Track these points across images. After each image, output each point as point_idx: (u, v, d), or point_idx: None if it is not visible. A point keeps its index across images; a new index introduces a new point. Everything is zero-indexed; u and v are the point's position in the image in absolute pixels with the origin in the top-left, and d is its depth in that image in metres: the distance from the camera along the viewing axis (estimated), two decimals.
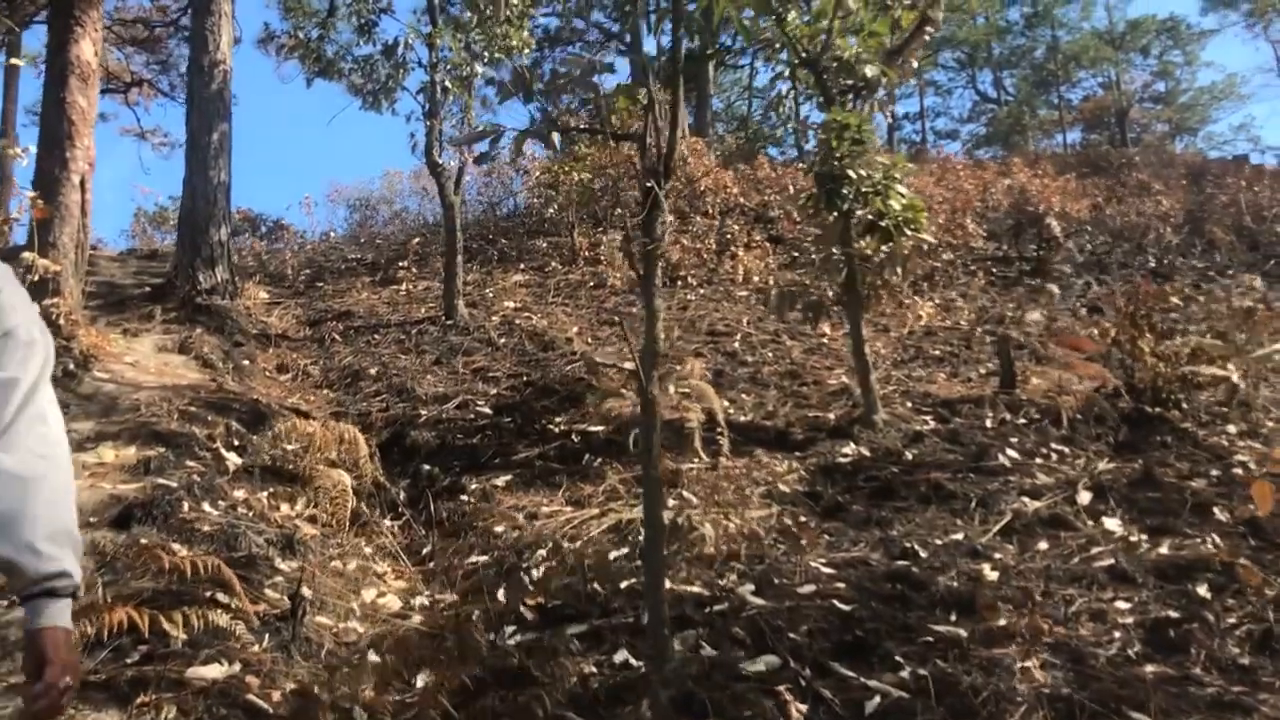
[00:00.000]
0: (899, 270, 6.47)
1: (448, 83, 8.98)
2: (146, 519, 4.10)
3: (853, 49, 6.77)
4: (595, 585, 4.11)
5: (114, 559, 3.66)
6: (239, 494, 4.80)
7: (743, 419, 6.58)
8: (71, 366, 5.91)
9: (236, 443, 5.40)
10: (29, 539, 1.52)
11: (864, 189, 6.30)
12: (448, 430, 6.32)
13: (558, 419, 6.49)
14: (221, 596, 3.53)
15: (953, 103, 37.56)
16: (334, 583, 4.16)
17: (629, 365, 3.91)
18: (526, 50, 9.51)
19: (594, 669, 3.44)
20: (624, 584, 4.13)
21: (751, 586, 4.16)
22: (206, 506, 4.47)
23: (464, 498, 5.25)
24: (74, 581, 1.57)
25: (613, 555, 4.39)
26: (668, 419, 6.43)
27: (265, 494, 4.97)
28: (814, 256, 6.89)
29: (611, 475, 5.43)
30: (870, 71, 6.54)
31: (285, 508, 4.91)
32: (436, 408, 6.74)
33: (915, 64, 7.41)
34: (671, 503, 5.09)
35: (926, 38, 7.00)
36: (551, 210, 14.39)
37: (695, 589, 4.16)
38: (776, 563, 4.45)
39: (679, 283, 10.68)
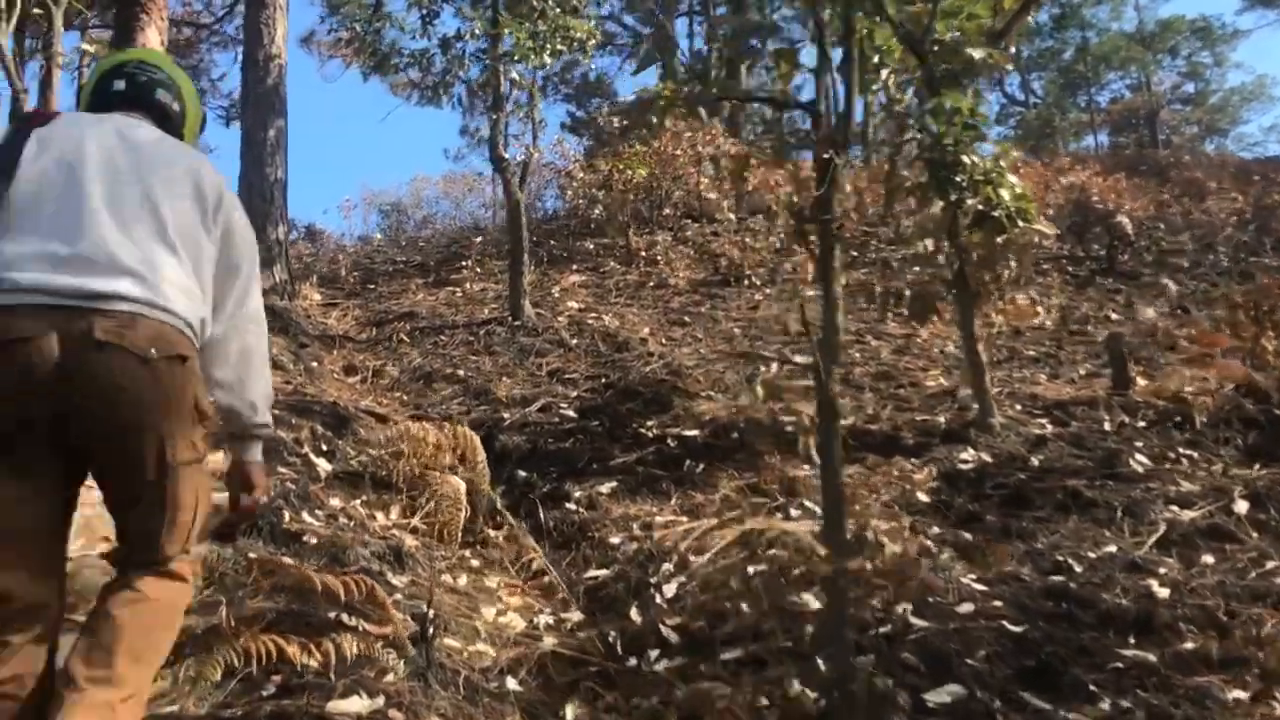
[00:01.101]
0: (1011, 264, 6.10)
1: (515, 74, 8.67)
2: (250, 530, 3.76)
3: (950, 32, 6.40)
4: (740, 604, 3.75)
5: (223, 575, 3.32)
6: (335, 501, 4.47)
7: (843, 422, 6.20)
8: None
9: (325, 447, 5.07)
10: (250, 398, 2.16)
11: (975, 177, 5.93)
12: (536, 434, 5.98)
13: (648, 422, 6.14)
14: (346, 618, 3.18)
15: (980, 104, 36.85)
16: (450, 599, 3.82)
17: (800, 359, 3.57)
18: (593, 41, 9.19)
19: (765, 700, 3.08)
20: (768, 603, 3.77)
21: (908, 605, 3.79)
22: (306, 516, 4.14)
23: (569, 506, 4.91)
24: (271, 431, 2.26)
25: (749, 570, 4.02)
26: (766, 422, 6.08)
27: (359, 501, 4.65)
28: (919, 249, 6.50)
29: (724, 482, 5.07)
30: (978, 54, 6.17)
31: (381, 516, 4.58)
32: (519, 410, 6.40)
33: (1014, 48, 7.03)
34: (794, 513, 4.74)
35: (1030, 18, 6.62)
36: (598, 210, 14.03)
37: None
38: (925, 579, 4.08)
39: (744, 282, 10.32)
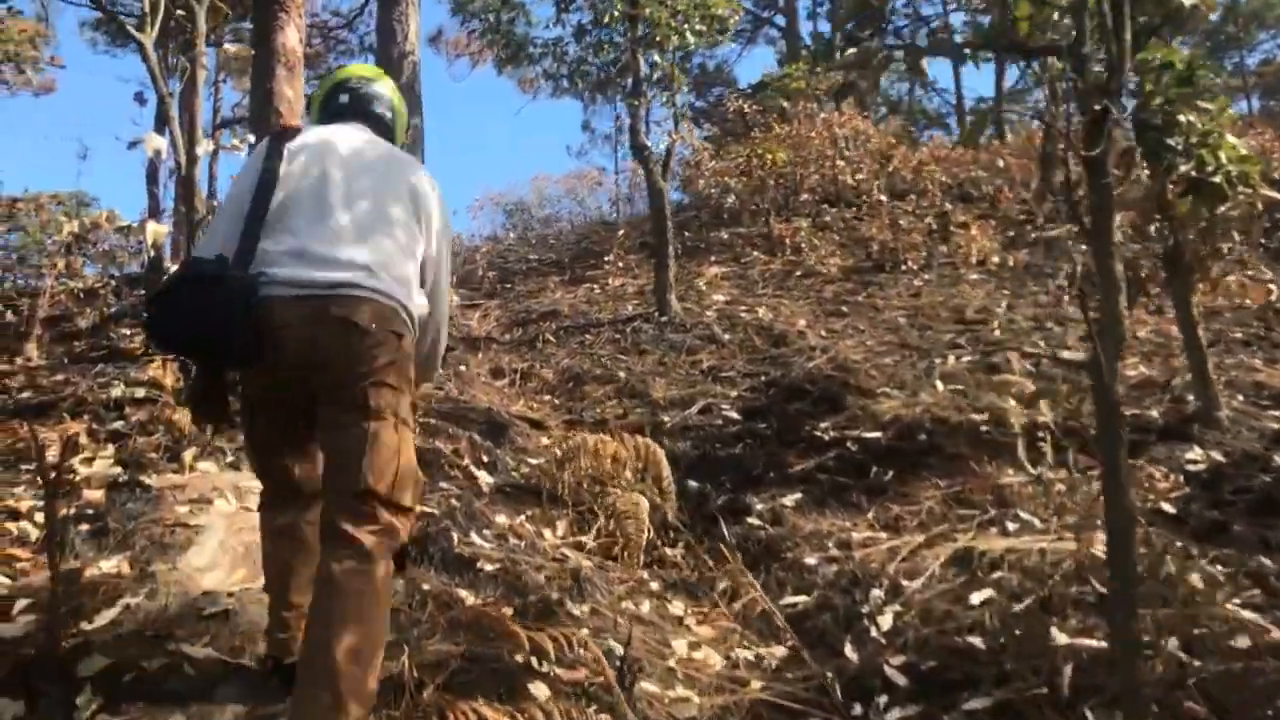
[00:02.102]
0: (1235, 235, 5.37)
1: (656, 57, 8.27)
2: (421, 555, 3.45)
3: None
4: (972, 639, 3.24)
5: (396, 611, 2.98)
6: (500, 519, 4.14)
7: (1040, 419, 5.58)
8: None
9: (485, 459, 4.76)
10: (436, 366, 2.90)
11: (1191, 139, 5.22)
12: (701, 439, 5.55)
13: (821, 424, 5.64)
14: (535, 663, 2.82)
15: None
16: (636, 631, 3.41)
17: (1067, 354, 3.08)
18: (734, 19, 8.71)
19: None
20: (1009, 638, 3.25)
21: (1175, 640, 3.21)
22: (475, 536, 3.81)
23: (751, 520, 4.46)
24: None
25: (975, 598, 3.50)
26: (953, 421, 5.51)
27: (524, 517, 4.30)
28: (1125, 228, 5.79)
29: (923, 492, 4.54)
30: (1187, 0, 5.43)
31: (549, 534, 4.23)
32: (678, 413, 5.98)
33: None
34: (1011, 526, 4.18)
35: None
36: (731, 199, 13.51)
37: (1090, 642, 3.24)
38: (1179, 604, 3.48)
39: (900, 268, 9.67)
